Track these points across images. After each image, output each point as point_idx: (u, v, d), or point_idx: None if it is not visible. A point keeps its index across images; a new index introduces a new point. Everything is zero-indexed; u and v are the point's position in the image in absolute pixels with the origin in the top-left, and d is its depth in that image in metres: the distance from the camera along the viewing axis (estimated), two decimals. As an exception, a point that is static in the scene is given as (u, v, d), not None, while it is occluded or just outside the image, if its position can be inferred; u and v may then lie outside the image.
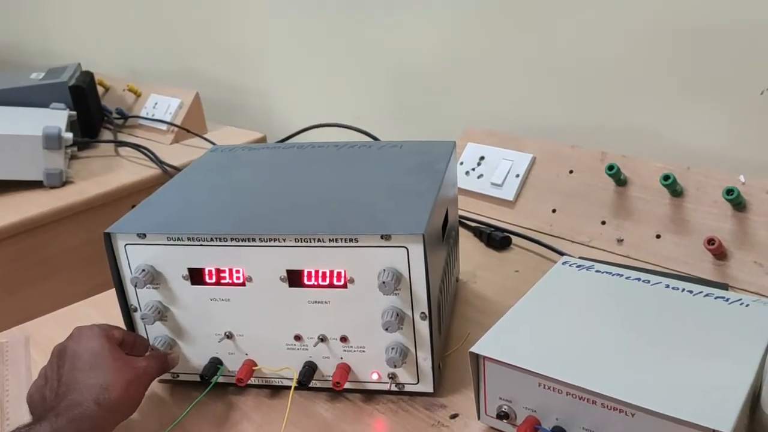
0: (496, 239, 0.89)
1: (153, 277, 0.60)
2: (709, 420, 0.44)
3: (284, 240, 0.57)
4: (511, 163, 0.99)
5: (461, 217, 0.96)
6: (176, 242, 0.59)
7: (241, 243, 0.58)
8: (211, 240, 0.58)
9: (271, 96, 1.52)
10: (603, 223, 0.88)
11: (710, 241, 0.75)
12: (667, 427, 0.46)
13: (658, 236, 0.83)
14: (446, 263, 0.68)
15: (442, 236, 0.66)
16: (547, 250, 0.86)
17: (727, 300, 0.58)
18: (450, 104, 1.18)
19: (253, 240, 0.57)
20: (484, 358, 0.54)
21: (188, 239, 0.58)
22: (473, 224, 0.94)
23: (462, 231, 0.94)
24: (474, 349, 0.53)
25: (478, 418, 0.56)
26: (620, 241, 0.85)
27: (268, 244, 0.57)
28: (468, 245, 0.90)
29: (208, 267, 0.59)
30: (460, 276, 0.82)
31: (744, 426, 0.48)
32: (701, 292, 0.59)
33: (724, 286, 0.61)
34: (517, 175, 0.97)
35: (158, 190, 0.69)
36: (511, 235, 0.90)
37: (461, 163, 1.04)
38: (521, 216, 0.95)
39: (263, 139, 1.44)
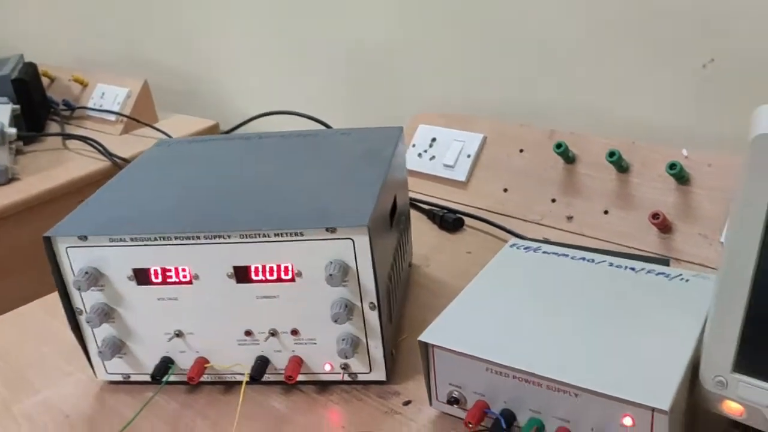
0: (449, 221, 0.89)
1: (97, 279, 0.59)
2: (648, 398, 0.45)
3: (229, 237, 0.56)
4: (462, 144, 0.99)
5: (414, 199, 0.96)
6: (119, 243, 0.58)
7: (185, 242, 0.57)
8: (155, 240, 0.57)
9: (223, 83, 1.50)
10: (553, 200, 0.89)
11: (655, 216, 0.77)
12: (609, 405, 0.47)
13: (605, 212, 0.84)
14: (396, 250, 0.68)
15: (390, 223, 0.66)
16: (499, 230, 0.87)
17: (668, 276, 0.59)
18: (402, 86, 1.17)
19: (198, 238, 0.57)
20: (433, 346, 0.54)
21: (131, 240, 0.57)
22: (426, 207, 0.94)
23: (415, 214, 0.94)
24: (422, 337, 0.54)
25: (430, 404, 0.57)
26: (570, 218, 0.87)
27: (213, 241, 0.57)
28: (421, 228, 0.91)
29: (153, 267, 0.58)
30: (413, 259, 0.83)
31: (684, 399, 0.49)
32: (643, 269, 0.61)
33: (666, 262, 0.62)
34: (469, 156, 0.98)
35: (100, 189, 0.67)
36: (464, 216, 0.90)
37: (413, 146, 1.04)
38: (474, 196, 0.96)
39: (215, 127, 1.42)
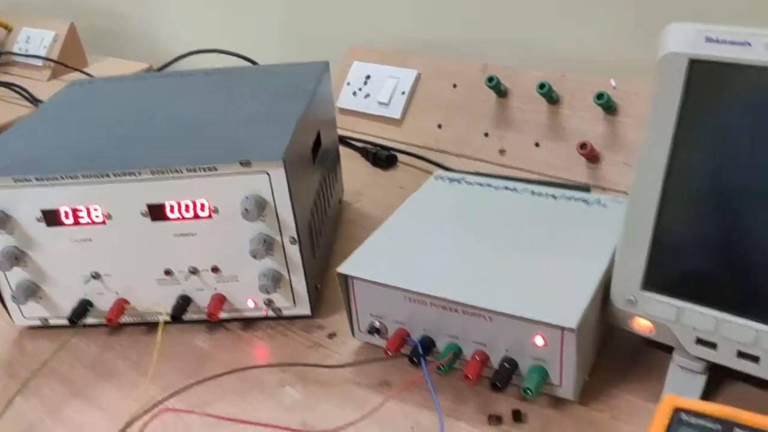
0: (382, 158, 0.88)
1: (4, 223, 0.56)
2: (557, 318, 0.46)
3: (140, 173, 0.55)
4: (396, 80, 0.98)
5: (349, 138, 0.95)
6: (24, 184, 0.55)
7: (94, 180, 0.55)
8: (62, 179, 0.55)
9: (155, 23, 1.44)
10: (486, 135, 0.89)
11: (582, 146, 0.77)
12: (521, 327, 0.48)
13: (537, 144, 0.84)
14: (320, 185, 0.67)
15: (313, 159, 0.65)
16: (431, 165, 0.87)
17: (587, 202, 0.60)
18: (337, 23, 1.14)
19: (107, 176, 0.55)
20: (352, 278, 0.54)
21: (36, 180, 0.55)
22: (360, 144, 0.93)
23: (349, 152, 0.93)
24: (341, 269, 0.53)
25: (353, 335, 0.57)
26: (502, 151, 0.87)
27: (124, 179, 0.55)
28: (355, 165, 0.90)
29: (62, 208, 0.56)
30: (345, 197, 0.82)
31: (594, 318, 0.50)
32: (563, 195, 0.61)
33: (586, 188, 0.63)
34: (403, 93, 0.97)
35: (6, 130, 0.64)
36: (397, 153, 0.90)
37: (348, 84, 1.02)
38: (408, 133, 0.95)
39: (148, 70, 1.37)
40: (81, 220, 0.57)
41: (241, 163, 0.54)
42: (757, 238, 0.43)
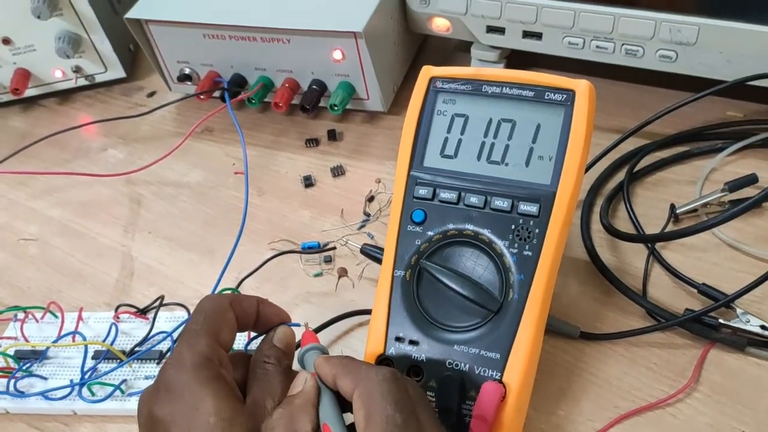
0: None
1: None
2: (345, 24, 0.45)
3: None
4: None
5: None
6: None
7: None
8: None
9: None
10: None
11: None
12: (317, 43, 0.47)
13: None
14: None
15: None
16: None
17: None
18: None
19: None
20: (146, 21, 0.51)
21: None
22: None
23: None
24: (130, 14, 0.50)
25: (170, 89, 0.56)
26: None
27: None
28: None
29: None
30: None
31: (392, 25, 0.49)
32: None
33: None
34: None
35: None
36: None
37: None
38: None
39: None
40: None
41: None
42: None
